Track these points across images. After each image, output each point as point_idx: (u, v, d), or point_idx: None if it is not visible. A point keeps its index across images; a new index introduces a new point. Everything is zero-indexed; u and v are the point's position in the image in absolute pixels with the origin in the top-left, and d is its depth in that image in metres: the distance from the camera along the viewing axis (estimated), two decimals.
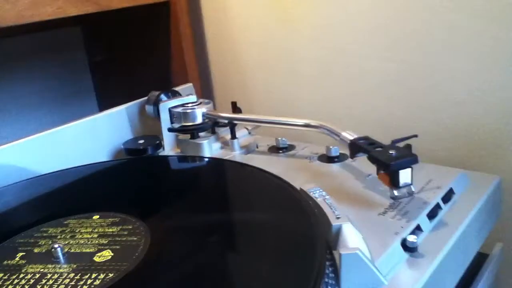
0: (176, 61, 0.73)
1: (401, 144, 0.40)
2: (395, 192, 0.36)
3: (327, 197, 0.37)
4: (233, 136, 0.54)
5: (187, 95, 0.58)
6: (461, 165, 0.48)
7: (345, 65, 0.61)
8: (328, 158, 0.49)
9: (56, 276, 0.31)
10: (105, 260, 0.32)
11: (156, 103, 0.57)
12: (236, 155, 0.53)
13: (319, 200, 0.37)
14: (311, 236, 0.33)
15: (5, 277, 0.32)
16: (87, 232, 0.36)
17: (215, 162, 0.49)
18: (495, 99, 0.50)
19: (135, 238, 0.35)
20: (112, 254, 0.33)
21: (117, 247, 0.34)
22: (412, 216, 0.36)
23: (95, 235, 0.36)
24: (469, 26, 0.50)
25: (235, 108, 0.55)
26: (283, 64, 0.67)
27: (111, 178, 0.48)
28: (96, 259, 0.33)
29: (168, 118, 0.55)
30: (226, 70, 0.75)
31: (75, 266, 0.32)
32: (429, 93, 0.54)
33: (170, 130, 0.54)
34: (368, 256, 0.30)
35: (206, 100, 0.57)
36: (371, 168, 0.41)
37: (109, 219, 0.38)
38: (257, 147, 0.55)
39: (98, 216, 0.38)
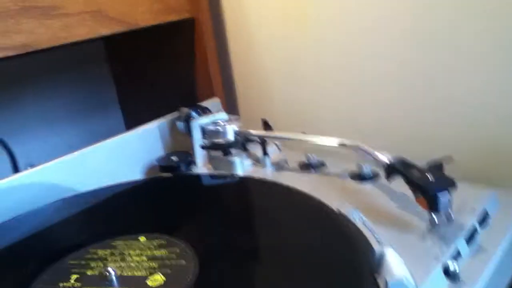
0: (201, 74, 0.75)
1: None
2: (434, 218, 0.37)
3: (365, 220, 0.38)
4: (265, 153, 0.55)
5: (216, 111, 0.60)
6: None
7: (370, 75, 0.61)
8: (360, 176, 0.50)
9: None
10: (159, 285, 0.34)
11: (187, 119, 0.58)
12: (268, 172, 0.54)
13: (358, 224, 0.38)
14: (355, 261, 0.34)
15: None
16: (136, 254, 0.38)
17: (258, 183, 0.50)
18: None
19: (184, 262, 0.36)
20: (165, 278, 0.34)
21: (168, 270, 0.35)
22: (451, 240, 0.37)
23: (145, 258, 0.37)
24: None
25: (266, 125, 0.56)
26: (306, 75, 0.68)
27: (150, 197, 0.50)
28: (149, 283, 0.34)
29: (200, 135, 0.56)
30: (249, 82, 0.77)
31: None
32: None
33: (203, 147, 0.56)
34: (412, 283, 0.31)
35: (235, 116, 0.58)
36: (404, 188, 0.42)
37: (155, 241, 0.39)
38: (286, 163, 0.56)
39: (144, 238, 0.40)
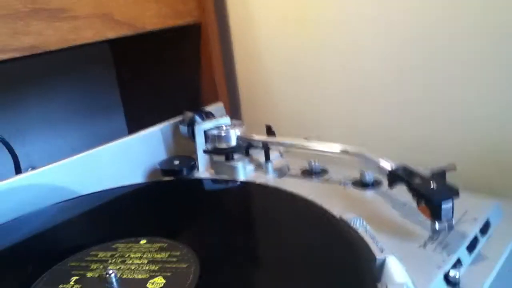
0: (206, 79, 0.75)
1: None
2: (437, 226, 0.37)
3: (368, 227, 0.38)
4: (267, 159, 0.55)
5: (220, 115, 0.60)
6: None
7: (374, 83, 0.61)
8: (362, 184, 0.50)
9: None
10: None
11: (191, 124, 0.59)
12: (270, 178, 0.54)
13: (360, 231, 0.38)
14: (356, 268, 0.34)
15: None
16: (136, 257, 0.38)
17: (260, 188, 0.50)
18: None
19: (184, 266, 0.36)
20: (165, 281, 0.34)
21: (168, 274, 0.35)
22: (453, 249, 0.37)
23: (145, 261, 0.37)
24: None
25: (270, 131, 0.56)
26: (310, 81, 0.69)
27: (151, 200, 0.50)
28: (149, 286, 0.34)
29: (203, 140, 0.56)
30: (253, 88, 0.77)
31: None
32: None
33: (206, 152, 0.56)
34: None
35: (238, 121, 0.58)
36: (406, 195, 0.42)
37: (156, 244, 0.39)
38: (288, 169, 0.56)
39: (145, 241, 0.40)
